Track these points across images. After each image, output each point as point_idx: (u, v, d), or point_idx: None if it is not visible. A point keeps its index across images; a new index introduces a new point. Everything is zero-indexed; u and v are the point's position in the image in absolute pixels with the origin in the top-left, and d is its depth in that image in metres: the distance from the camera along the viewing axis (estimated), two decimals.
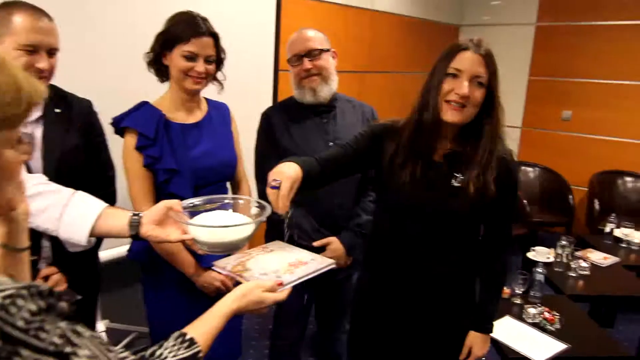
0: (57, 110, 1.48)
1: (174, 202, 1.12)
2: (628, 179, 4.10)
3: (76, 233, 1.12)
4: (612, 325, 3.09)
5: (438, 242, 1.35)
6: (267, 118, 1.82)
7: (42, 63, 1.33)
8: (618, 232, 3.24)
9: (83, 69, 2.00)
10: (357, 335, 1.56)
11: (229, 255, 1.22)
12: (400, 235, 1.38)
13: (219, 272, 1.41)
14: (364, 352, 1.54)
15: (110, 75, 2.11)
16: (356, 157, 1.37)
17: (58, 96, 1.51)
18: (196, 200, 1.19)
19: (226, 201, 1.26)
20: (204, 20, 1.51)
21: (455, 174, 1.30)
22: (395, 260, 1.40)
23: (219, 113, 1.64)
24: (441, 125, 1.27)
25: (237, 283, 1.06)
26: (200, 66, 1.48)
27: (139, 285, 1.69)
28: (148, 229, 1.11)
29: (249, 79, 2.79)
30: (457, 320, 1.44)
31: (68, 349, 0.55)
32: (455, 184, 1.29)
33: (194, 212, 1.18)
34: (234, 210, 1.26)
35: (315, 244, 1.71)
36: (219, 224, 1.14)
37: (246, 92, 2.69)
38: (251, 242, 1.28)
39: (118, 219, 1.12)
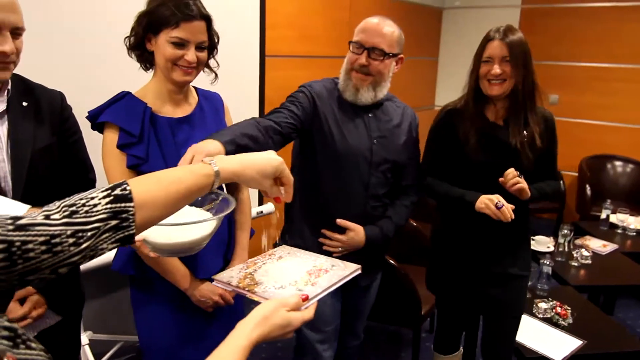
0: (24, 104, 1.27)
1: None
2: (617, 163, 4.08)
3: None
4: (612, 312, 3.05)
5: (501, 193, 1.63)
6: (311, 91, 1.59)
7: (7, 45, 1.12)
8: (614, 218, 3.19)
9: (51, 56, 1.76)
10: (434, 274, 1.92)
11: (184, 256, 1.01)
12: (475, 189, 1.67)
13: (223, 289, 1.23)
14: (441, 285, 1.89)
15: (83, 63, 1.87)
16: (443, 153, 1.75)
17: (24, 87, 1.29)
18: None
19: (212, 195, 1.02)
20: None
21: (514, 134, 1.63)
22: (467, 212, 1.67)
23: (211, 104, 1.44)
24: (492, 98, 1.65)
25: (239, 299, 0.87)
26: (190, 54, 1.27)
27: (122, 292, 1.50)
28: None
29: (233, 66, 2.58)
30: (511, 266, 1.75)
31: None
32: (515, 142, 1.62)
33: None
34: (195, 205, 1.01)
35: (340, 222, 1.57)
36: (170, 220, 0.90)
37: (230, 80, 2.48)
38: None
39: None
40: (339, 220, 1.57)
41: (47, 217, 0.62)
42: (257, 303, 0.88)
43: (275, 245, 1.21)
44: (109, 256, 1.45)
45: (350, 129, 1.59)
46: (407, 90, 4.32)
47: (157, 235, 0.91)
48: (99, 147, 1.32)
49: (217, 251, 1.44)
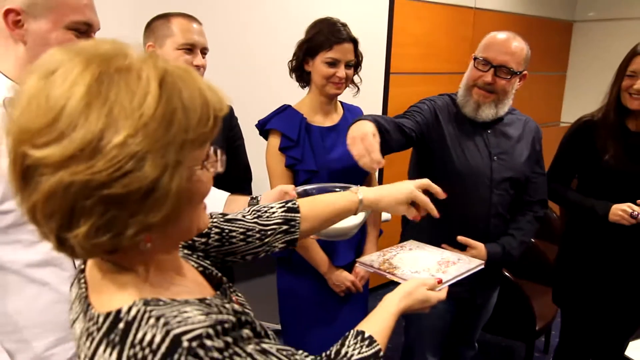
0: None
1: (289, 187, 1.14)
2: None
3: None
4: None
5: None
6: (434, 105, 1.60)
7: (199, 60, 1.48)
8: None
9: (224, 75, 2.10)
10: (564, 288, 1.94)
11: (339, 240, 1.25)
12: (609, 200, 1.69)
13: (365, 270, 1.43)
14: (571, 299, 1.91)
15: (248, 82, 2.21)
16: (577, 163, 1.81)
17: None
18: (309, 187, 1.21)
19: (338, 190, 1.21)
20: (344, 26, 1.55)
21: None
22: (601, 224, 1.70)
23: (353, 116, 1.68)
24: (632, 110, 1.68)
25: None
26: (341, 71, 1.52)
27: (257, 280, 1.74)
28: None
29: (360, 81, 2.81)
30: None
31: None
32: None
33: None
34: None
35: (460, 239, 1.54)
36: None
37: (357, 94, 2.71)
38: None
39: (240, 203, 1.19)
40: (459, 238, 1.54)
41: (243, 216, 0.88)
42: (395, 283, 1.08)
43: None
44: None
45: (470, 146, 1.56)
46: (532, 105, 4.25)
47: None
48: (255, 152, 1.61)
49: (351, 244, 1.65)
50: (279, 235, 0.89)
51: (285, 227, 0.89)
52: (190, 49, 1.46)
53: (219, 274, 0.78)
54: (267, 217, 0.88)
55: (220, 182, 1.37)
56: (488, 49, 1.52)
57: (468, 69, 1.58)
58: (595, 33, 4.65)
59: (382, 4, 2.84)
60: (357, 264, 1.20)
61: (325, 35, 1.50)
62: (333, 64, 1.51)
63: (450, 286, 1.43)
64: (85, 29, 0.98)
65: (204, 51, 1.51)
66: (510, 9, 3.92)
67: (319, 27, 1.53)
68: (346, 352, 0.77)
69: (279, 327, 1.76)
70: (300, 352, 0.68)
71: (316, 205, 0.95)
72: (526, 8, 4.09)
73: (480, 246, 1.56)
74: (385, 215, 3.06)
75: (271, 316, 1.83)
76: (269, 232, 0.87)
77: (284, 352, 0.63)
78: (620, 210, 1.62)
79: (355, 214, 1.00)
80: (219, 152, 0.64)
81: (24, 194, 0.52)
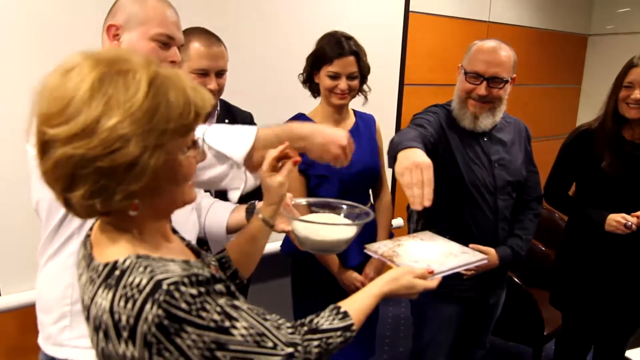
0: (226, 121, 1.70)
1: (287, 196, 1.10)
2: None
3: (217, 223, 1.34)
4: None
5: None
6: (439, 117, 1.61)
7: (211, 85, 1.51)
8: None
9: (246, 86, 2.21)
10: (561, 291, 1.98)
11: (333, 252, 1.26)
12: (607, 207, 1.75)
13: (371, 256, 1.48)
14: (568, 302, 1.96)
15: (267, 91, 2.31)
16: (576, 170, 1.87)
17: (226, 108, 1.73)
18: (313, 200, 1.20)
19: (344, 206, 1.20)
20: (348, 39, 1.62)
21: None
22: (599, 231, 1.75)
23: (365, 124, 1.77)
24: (628, 120, 1.75)
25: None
26: (342, 84, 1.61)
27: (276, 281, 1.81)
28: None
29: (374, 92, 2.88)
30: None
31: (227, 324, 0.66)
32: None
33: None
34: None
35: (473, 247, 1.45)
36: (322, 220, 1.11)
37: (371, 104, 2.79)
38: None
39: (241, 211, 1.31)
40: (471, 245, 1.47)
41: None
42: None
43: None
44: (277, 245, 1.81)
45: (471, 155, 1.60)
46: (547, 117, 4.22)
47: (307, 231, 1.09)
48: None
49: (361, 246, 1.72)
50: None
51: (220, 268, 0.98)
52: (203, 73, 1.49)
53: (199, 250, 0.91)
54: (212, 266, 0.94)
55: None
56: (476, 62, 1.53)
57: (458, 80, 1.60)
58: (609, 47, 4.67)
59: (397, 16, 2.94)
60: (365, 250, 1.24)
61: (327, 50, 1.59)
62: (335, 77, 1.60)
63: (461, 291, 1.48)
64: (166, 41, 1.13)
65: (220, 73, 1.53)
66: (524, 23, 3.98)
67: (324, 42, 1.63)
68: (317, 322, 0.84)
69: None
70: (274, 315, 0.76)
71: (235, 237, 1.04)
72: (540, 22, 4.14)
73: (491, 251, 1.61)
74: (397, 222, 3.14)
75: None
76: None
77: (255, 311, 0.71)
78: (615, 221, 1.69)
79: (263, 232, 1.00)
80: (201, 143, 0.75)
81: (41, 161, 0.65)
